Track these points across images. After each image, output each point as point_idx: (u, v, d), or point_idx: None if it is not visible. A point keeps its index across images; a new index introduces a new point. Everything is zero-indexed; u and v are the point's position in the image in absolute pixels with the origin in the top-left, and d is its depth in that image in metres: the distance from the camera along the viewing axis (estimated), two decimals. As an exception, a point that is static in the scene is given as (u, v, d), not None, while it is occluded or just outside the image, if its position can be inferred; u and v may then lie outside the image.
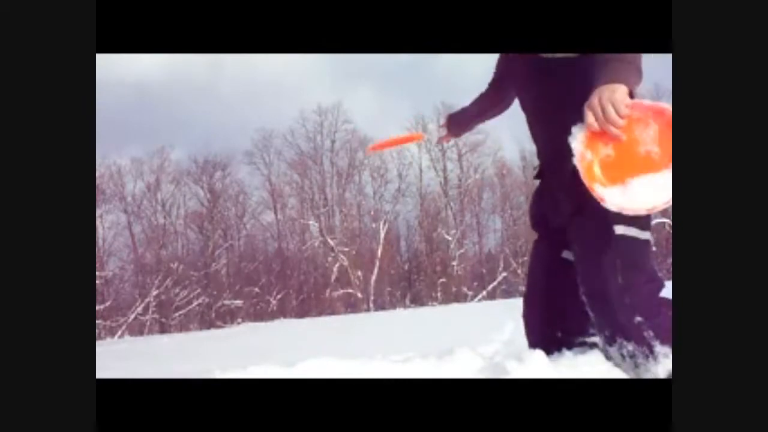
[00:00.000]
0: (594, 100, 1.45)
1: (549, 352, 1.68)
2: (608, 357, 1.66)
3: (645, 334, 1.56)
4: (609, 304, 1.60)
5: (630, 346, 1.58)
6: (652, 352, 1.56)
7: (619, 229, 1.61)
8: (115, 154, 35.73)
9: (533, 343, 1.82)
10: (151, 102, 43.06)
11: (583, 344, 1.74)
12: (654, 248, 1.72)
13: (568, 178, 1.63)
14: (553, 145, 1.68)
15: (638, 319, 1.57)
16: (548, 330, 1.80)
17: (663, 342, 1.55)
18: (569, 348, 1.74)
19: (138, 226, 32.99)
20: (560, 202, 1.74)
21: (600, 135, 1.51)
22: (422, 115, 34.58)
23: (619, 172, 1.50)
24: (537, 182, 1.92)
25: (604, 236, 1.61)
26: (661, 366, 1.55)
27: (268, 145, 34.33)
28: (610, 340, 1.62)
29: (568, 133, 1.54)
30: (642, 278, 1.62)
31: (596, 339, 1.70)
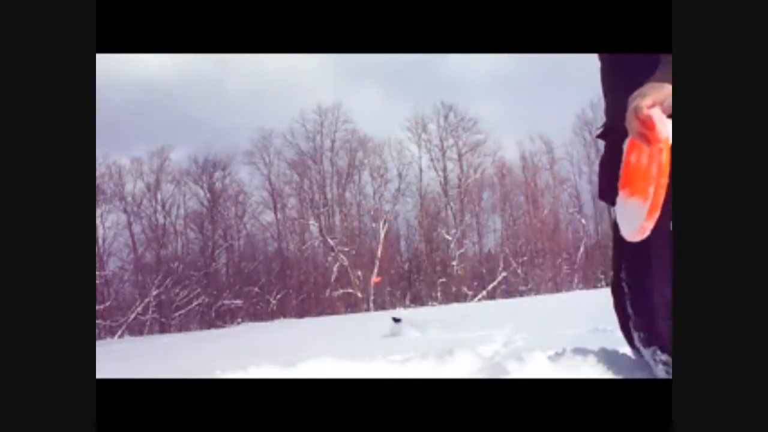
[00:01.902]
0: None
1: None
2: (638, 352, 1.60)
3: None
4: (649, 303, 1.50)
5: (664, 357, 1.49)
6: None
7: None
8: (116, 154, 35.73)
9: (624, 334, 1.70)
10: (151, 102, 43.06)
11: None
12: None
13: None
14: (623, 103, 1.50)
15: None
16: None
17: None
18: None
19: (138, 226, 33.02)
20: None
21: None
22: (422, 115, 34.70)
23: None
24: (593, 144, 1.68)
25: (659, 227, 1.40)
26: None
27: (268, 145, 34.36)
28: (645, 343, 1.54)
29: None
30: None
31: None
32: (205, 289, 31.95)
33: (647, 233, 1.37)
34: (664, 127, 1.31)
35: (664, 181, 1.31)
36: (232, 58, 36.75)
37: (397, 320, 10.09)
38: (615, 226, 1.74)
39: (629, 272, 1.59)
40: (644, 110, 1.33)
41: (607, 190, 1.69)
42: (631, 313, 1.60)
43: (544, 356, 1.59)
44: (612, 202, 1.72)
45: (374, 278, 11.14)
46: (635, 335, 1.60)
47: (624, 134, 1.51)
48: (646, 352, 1.57)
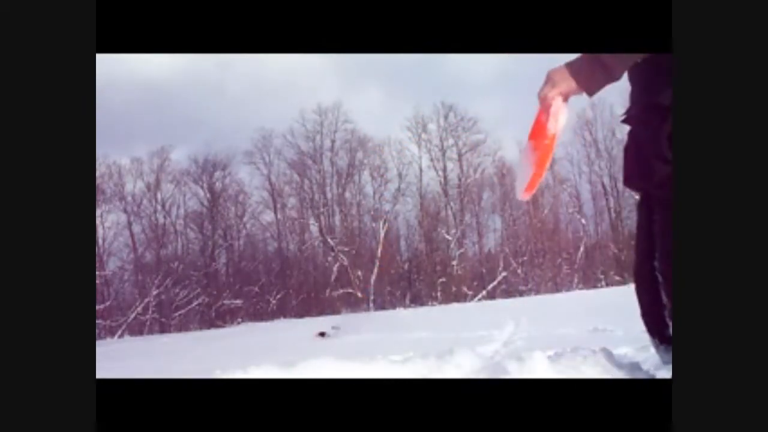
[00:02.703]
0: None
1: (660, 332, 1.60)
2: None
3: None
4: None
5: None
6: None
7: None
8: (116, 154, 35.72)
9: (644, 322, 1.70)
10: (151, 102, 43.06)
11: None
12: None
13: (662, 137, 1.47)
14: (648, 96, 1.55)
15: None
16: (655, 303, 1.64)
17: None
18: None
19: (138, 226, 33.02)
20: (654, 167, 1.52)
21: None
22: (422, 115, 34.71)
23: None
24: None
25: None
26: None
27: (268, 145, 34.35)
28: None
29: (662, 81, 1.41)
30: None
31: None
32: (205, 289, 31.94)
33: (526, 197, 1.53)
34: (554, 125, 1.45)
35: (540, 171, 1.48)
36: (232, 58, 36.78)
37: (335, 327, 12.52)
38: (639, 219, 1.73)
39: (667, 260, 1.55)
40: (548, 99, 1.45)
41: (632, 176, 1.67)
42: (667, 302, 1.57)
43: (544, 356, 1.59)
44: (637, 189, 1.71)
45: (316, 333, 11.93)
46: (671, 323, 1.57)
47: (646, 120, 1.54)
48: None
